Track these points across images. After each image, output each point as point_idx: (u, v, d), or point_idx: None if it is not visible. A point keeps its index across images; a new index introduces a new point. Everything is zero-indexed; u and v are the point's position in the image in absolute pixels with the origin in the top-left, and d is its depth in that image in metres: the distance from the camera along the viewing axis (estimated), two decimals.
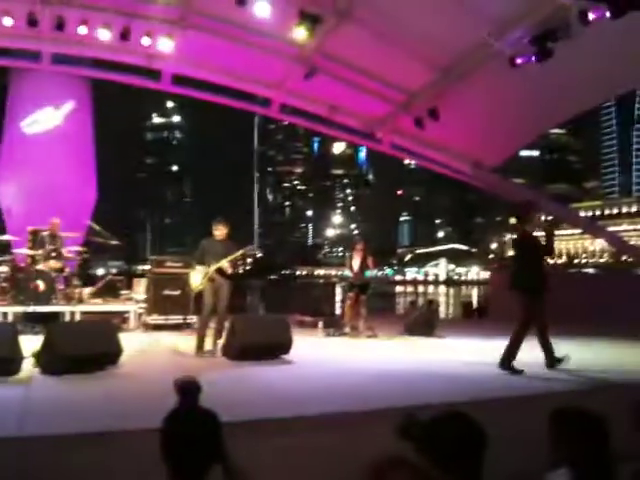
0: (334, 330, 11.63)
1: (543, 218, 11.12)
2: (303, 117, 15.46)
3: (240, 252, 9.08)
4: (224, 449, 2.16)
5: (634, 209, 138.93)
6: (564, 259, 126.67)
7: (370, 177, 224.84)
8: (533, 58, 9.99)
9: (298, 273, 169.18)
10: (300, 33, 10.81)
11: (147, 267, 12.48)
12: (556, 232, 8.48)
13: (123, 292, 12.40)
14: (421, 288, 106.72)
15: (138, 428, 4.64)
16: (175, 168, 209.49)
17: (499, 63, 10.59)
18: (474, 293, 70.91)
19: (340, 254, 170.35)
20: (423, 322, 11.87)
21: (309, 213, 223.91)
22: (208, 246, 9.04)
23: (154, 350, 9.31)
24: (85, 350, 7.02)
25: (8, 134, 17.02)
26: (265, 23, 10.90)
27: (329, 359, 8.90)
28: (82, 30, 11.39)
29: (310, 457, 4.76)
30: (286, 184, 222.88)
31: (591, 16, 8.95)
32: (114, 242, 12.42)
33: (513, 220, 8.32)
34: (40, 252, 11.03)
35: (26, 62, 13.94)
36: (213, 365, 7.99)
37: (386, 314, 20.78)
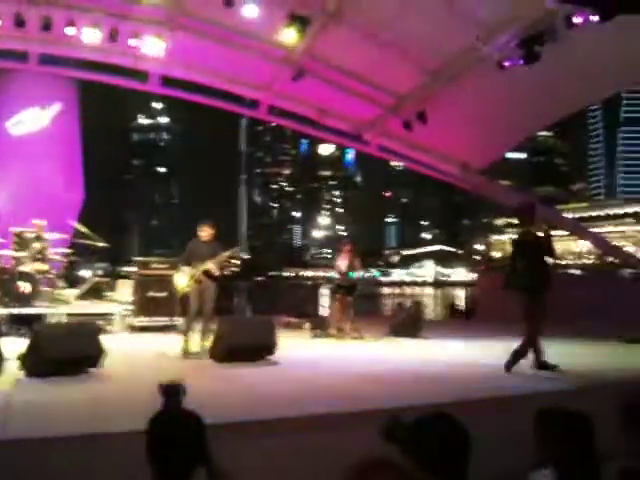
0: (320, 331, 11.63)
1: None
2: (291, 119, 15.47)
3: (226, 254, 9.06)
4: (208, 451, 2.16)
5: (619, 211, 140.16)
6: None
7: (358, 179, 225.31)
8: (521, 61, 10.06)
9: (285, 275, 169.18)
10: (289, 35, 10.81)
11: (132, 269, 12.42)
12: (552, 233, 8.51)
13: (108, 294, 12.34)
14: (408, 290, 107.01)
15: (123, 431, 4.62)
16: (162, 170, 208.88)
17: (487, 66, 10.66)
18: (461, 295, 71.16)
19: (328, 256, 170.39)
20: (409, 323, 11.89)
21: (297, 214, 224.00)
22: (194, 248, 9.01)
23: (139, 352, 9.26)
24: (71, 353, 6.98)
25: None
26: (253, 25, 10.91)
27: (315, 360, 8.89)
28: (69, 31, 11.33)
29: (295, 458, 4.76)
30: (274, 186, 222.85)
31: (576, 20, 9.03)
32: (101, 244, 12.37)
33: (515, 220, 8.34)
34: (25, 254, 10.96)
35: (13, 62, 13.84)
36: (199, 367, 7.95)
37: (372, 315, 20.80)
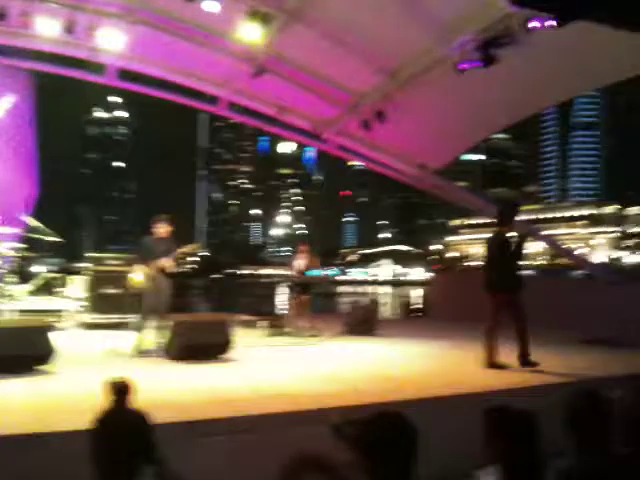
0: (276, 329, 11.62)
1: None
2: (252, 116, 15.38)
3: (183, 250, 8.98)
4: (156, 452, 2.13)
5: (571, 213, 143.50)
6: None
7: (319, 177, 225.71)
8: (478, 64, 10.18)
9: (242, 272, 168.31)
10: (250, 32, 10.74)
11: (86, 265, 12.22)
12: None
13: (61, 290, 12.13)
14: (364, 288, 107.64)
15: (67, 430, 4.52)
16: (119, 164, 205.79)
17: (445, 68, 10.76)
18: (417, 293, 71.88)
19: (286, 254, 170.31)
20: (363, 321, 11.97)
21: (255, 212, 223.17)
22: (149, 244, 8.90)
23: (91, 350, 9.12)
24: (18, 350, 6.83)
25: None
26: (214, 20, 10.81)
27: (270, 358, 8.90)
28: (25, 22, 11.05)
29: (248, 457, 4.75)
30: (233, 182, 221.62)
31: (533, 24, 9.18)
32: (54, 239, 12.14)
33: (495, 220, 8.58)
34: None
35: None
36: (152, 365, 7.87)
37: (329, 314, 20.87)
